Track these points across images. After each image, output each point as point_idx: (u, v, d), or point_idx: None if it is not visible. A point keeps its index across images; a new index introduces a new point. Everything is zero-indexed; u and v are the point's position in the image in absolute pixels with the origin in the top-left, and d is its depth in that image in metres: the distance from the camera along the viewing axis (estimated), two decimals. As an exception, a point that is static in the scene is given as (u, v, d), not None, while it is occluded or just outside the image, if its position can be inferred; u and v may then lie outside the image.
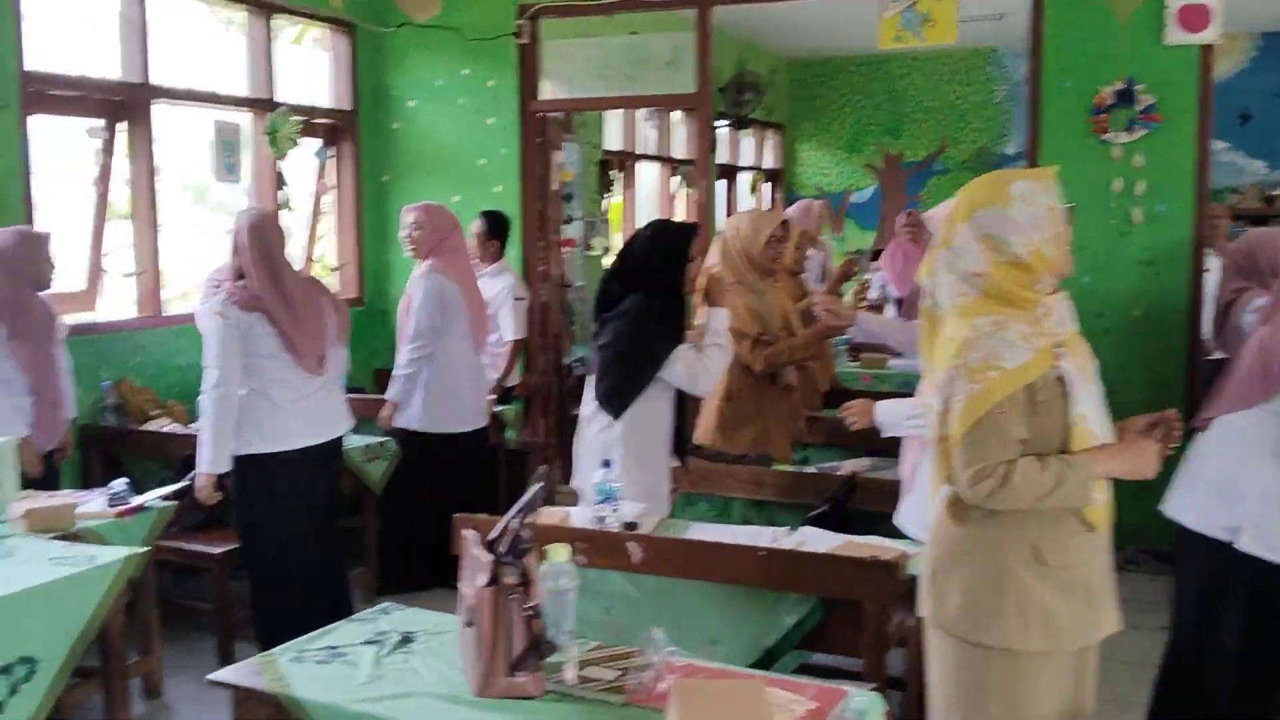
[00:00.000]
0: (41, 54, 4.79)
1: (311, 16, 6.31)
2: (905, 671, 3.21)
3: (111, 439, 4.95)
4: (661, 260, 3.49)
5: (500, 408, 5.77)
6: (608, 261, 9.60)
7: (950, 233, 2.23)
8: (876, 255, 8.74)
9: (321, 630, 2.62)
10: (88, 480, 4.91)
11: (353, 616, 2.72)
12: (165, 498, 3.97)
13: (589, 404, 3.66)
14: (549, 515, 3.42)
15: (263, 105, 5.94)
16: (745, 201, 12.51)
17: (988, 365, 2.11)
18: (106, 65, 5.25)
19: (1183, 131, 5.21)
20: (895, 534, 3.39)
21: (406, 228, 5.05)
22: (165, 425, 4.99)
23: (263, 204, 6.01)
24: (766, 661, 2.93)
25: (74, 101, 5.04)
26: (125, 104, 5.25)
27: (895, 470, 3.76)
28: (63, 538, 3.55)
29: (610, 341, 3.50)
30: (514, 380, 6.00)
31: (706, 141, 6.13)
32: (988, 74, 11.70)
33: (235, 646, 4.39)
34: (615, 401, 3.52)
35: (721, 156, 11.45)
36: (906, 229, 7.95)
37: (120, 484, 4.03)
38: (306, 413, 3.97)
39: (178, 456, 4.79)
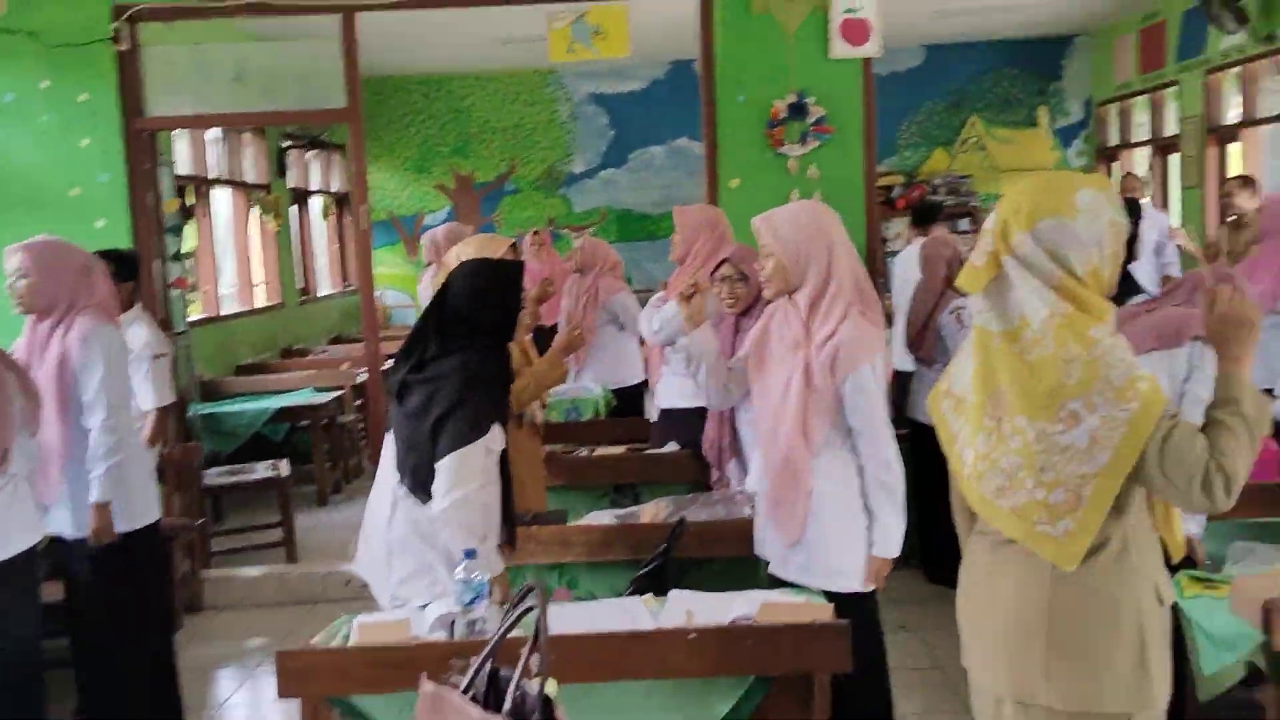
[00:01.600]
0: None
1: None
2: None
3: None
4: (494, 307, 2.91)
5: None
6: (199, 303, 8.41)
7: (1006, 242, 1.95)
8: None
9: None
10: None
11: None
12: None
13: (388, 483, 2.99)
14: (375, 630, 2.74)
15: None
16: (319, 227, 11.65)
17: (1133, 379, 1.86)
18: None
19: (851, 143, 5.39)
20: (740, 584, 3.12)
21: (10, 275, 3.82)
22: None
23: None
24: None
25: None
26: None
27: (719, 510, 3.48)
28: None
29: (422, 410, 2.84)
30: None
31: (362, 163, 5.48)
32: (549, 94, 11.80)
33: None
34: (429, 483, 2.88)
35: (291, 180, 10.56)
36: (533, 248, 7.74)
37: None
38: None
39: None
